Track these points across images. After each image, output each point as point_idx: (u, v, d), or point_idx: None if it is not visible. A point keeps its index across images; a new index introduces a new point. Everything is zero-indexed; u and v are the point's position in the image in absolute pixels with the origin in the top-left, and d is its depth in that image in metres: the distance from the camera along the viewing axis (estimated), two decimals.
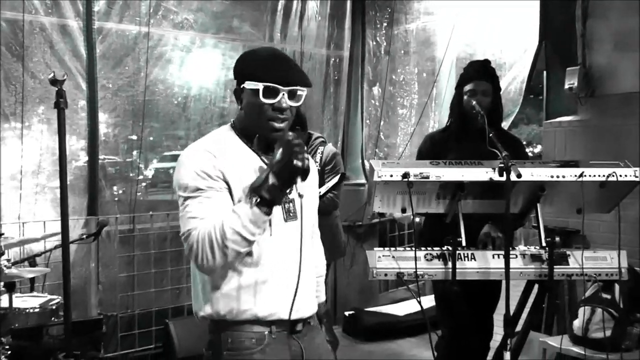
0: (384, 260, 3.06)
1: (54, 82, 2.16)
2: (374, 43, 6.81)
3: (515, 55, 5.63)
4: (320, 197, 4.19)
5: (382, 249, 3.12)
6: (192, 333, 4.93)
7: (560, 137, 5.19)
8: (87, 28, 4.93)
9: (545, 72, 5.53)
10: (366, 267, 3.14)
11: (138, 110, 5.21)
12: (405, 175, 2.97)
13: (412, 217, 3.46)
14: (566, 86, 5.03)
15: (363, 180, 6.71)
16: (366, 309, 6.40)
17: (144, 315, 5.26)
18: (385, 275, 3.06)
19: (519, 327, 3.29)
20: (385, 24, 6.75)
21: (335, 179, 4.25)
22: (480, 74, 3.75)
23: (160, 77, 5.38)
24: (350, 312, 6.28)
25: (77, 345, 1.71)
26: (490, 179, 3.01)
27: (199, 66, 5.72)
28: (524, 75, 5.55)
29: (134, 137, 5.33)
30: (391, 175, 3.00)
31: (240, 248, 2.03)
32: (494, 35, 5.85)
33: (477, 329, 3.86)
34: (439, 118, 6.26)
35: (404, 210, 3.22)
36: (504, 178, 2.91)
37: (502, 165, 2.91)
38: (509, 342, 2.98)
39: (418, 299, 3.11)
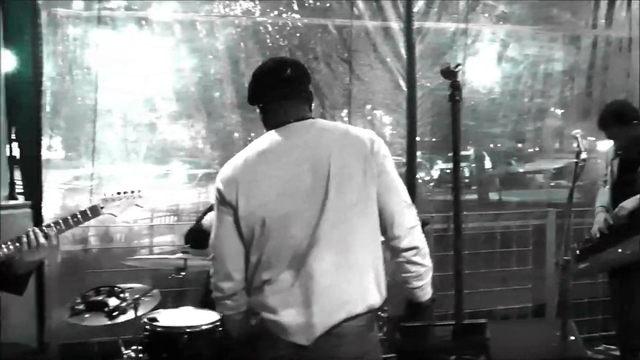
0: None
1: (448, 73, 2.07)
2: None
3: None
4: None
5: None
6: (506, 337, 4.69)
7: None
8: (407, 29, 5.02)
9: None
10: None
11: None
12: None
13: None
14: None
15: None
16: None
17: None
18: None
19: None
20: None
21: None
22: None
23: (477, 73, 5.28)
24: None
25: (460, 348, 1.67)
26: None
27: (514, 60, 5.50)
28: None
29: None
30: None
31: None
32: None
33: None
34: None
35: None
36: None
37: None
38: None
39: None
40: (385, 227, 2.23)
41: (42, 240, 2.44)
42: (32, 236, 2.42)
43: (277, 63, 2.41)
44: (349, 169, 2.16)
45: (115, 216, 2.74)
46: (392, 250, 2.26)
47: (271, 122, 2.31)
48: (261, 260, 2.18)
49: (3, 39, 4.18)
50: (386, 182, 2.22)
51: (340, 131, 2.28)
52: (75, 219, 2.54)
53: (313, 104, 2.38)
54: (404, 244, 2.22)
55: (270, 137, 2.26)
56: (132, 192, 2.73)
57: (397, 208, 2.22)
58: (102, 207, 2.62)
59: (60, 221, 2.52)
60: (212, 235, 2.32)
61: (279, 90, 2.28)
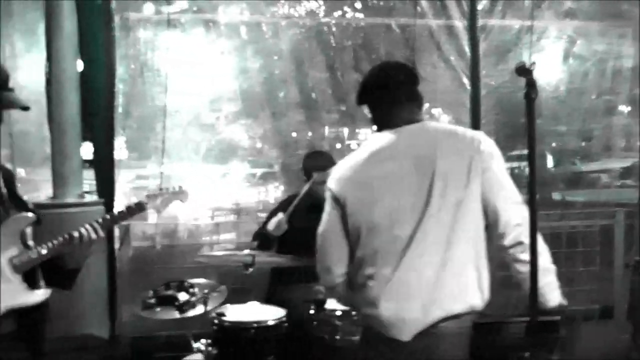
0: None
1: (522, 71, 2.05)
2: None
3: None
4: None
5: None
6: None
7: None
8: (471, 27, 4.99)
9: None
10: None
11: (519, 107, 5.09)
12: None
13: None
14: None
15: None
16: None
17: None
18: None
19: None
20: None
21: None
22: None
23: (543, 71, 5.20)
24: None
25: (534, 345, 1.65)
26: None
27: (582, 57, 5.39)
28: None
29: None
30: None
31: None
32: None
33: None
34: None
35: None
36: None
37: None
38: None
39: None
40: (490, 225, 2.21)
41: (93, 235, 2.50)
42: (84, 232, 2.49)
43: (389, 68, 2.49)
44: (453, 167, 2.18)
45: (159, 212, 2.78)
46: (499, 250, 2.22)
47: (382, 123, 2.36)
48: (365, 256, 2.23)
49: (79, 42, 4.32)
50: (491, 179, 2.20)
51: (447, 132, 2.32)
52: (122, 214, 2.60)
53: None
54: (508, 240, 2.17)
55: (381, 139, 2.32)
56: (174, 188, 2.78)
57: (501, 205, 2.19)
58: (146, 203, 2.67)
59: (108, 217, 2.58)
60: (320, 230, 2.39)
61: (391, 94, 2.33)
